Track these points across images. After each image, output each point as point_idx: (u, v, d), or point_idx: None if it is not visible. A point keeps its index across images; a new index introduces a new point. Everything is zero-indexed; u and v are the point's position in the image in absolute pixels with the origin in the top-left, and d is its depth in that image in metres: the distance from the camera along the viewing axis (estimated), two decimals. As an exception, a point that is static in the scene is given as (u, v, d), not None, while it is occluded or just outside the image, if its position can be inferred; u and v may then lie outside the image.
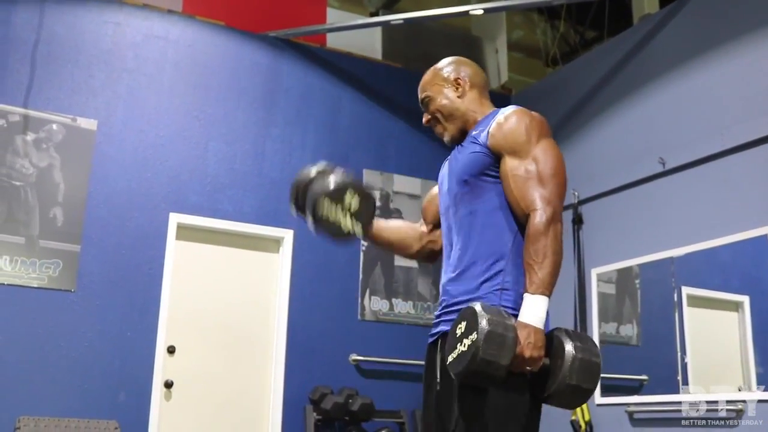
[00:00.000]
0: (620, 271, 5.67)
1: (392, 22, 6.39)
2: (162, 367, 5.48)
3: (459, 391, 2.13)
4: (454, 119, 2.47)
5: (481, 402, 2.07)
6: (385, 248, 2.70)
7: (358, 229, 2.56)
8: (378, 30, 6.96)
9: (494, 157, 2.27)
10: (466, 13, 6.42)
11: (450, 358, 2.07)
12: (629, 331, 5.64)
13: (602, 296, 5.77)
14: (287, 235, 6.08)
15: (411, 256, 2.69)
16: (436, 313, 2.36)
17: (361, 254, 6.35)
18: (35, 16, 5.58)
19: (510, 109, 2.35)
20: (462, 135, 2.46)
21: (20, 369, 5.07)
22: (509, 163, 2.23)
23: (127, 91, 5.78)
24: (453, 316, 2.21)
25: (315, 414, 5.74)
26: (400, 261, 6.49)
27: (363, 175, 6.50)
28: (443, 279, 2.37)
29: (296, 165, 6.25)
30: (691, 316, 5.13)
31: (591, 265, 5.85)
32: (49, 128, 5.46)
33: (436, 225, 2.59)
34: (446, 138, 2.50)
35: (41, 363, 5.13)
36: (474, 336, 1.99)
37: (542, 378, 2.11)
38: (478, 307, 2.04)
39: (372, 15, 7.03)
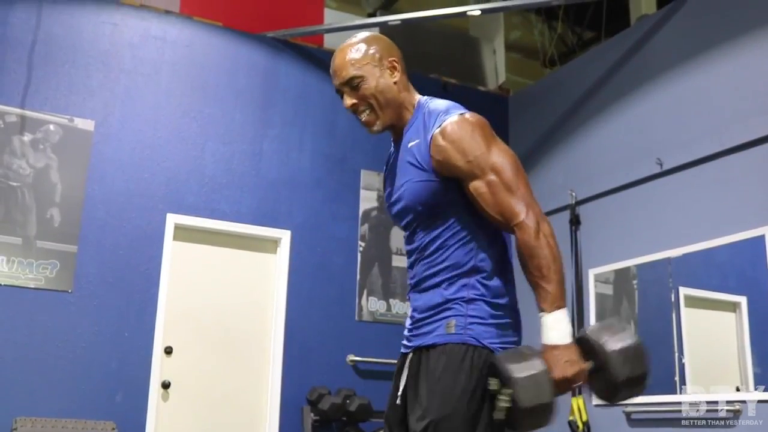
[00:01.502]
0: (617, 272, 5.67)
1: (390, 23, 6.39)
2: (159, 367, 5.48)
3: (426, 398, 2.09)
4: (390, 108, 2.24)
5: (449, 407, 2.04)
6: None
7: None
8: (375, 31, 6.96)
9: (442, 179, 2.13)
10: (464, 13, 6.42)
11: (498, 414, 1.98)
12: (627, 331, 5.63)
13: (600, 297, 5.77)
14: (285, 236, 6.08)
15: None
16: (408, 326, 2.29)
17: (359, 255, 6.35)
18: (32, 16, 5.58)
19: (446, 122, 2.13)
20: (392, 126, 2.28)
21: (17, 370, 5.06)
22: (471, 185, 2.10)
23: (125, 92, 5.78)
24: (421, 330, 2.19)
25: (312, 414, 5.74)
26: (397, 262, 6.49)
27: (360, 176, 6.50)
28: (409, 291, 2.30)
29: (294, 165, 6.26)
30: (688, 316, 5.13)
31: (588, 266, 5.85)
32: (46, 129, 5.46)
33: None
34: (377, 128, 2.26)
35: (38, 364, 5.12)
36: (509, 391, 1.93)
37: (594, 378, 2.03)
38: (498, 359, 1.99)
39: (369, 16, 7.03)
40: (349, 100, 2.25)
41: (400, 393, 2.21)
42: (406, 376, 2.21)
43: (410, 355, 2.23)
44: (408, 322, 2.30)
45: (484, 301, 2.12)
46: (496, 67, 7.37)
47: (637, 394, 2.06)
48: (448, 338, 2.10)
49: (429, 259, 2.20)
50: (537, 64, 7.76)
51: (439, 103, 2.23)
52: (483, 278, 2.13)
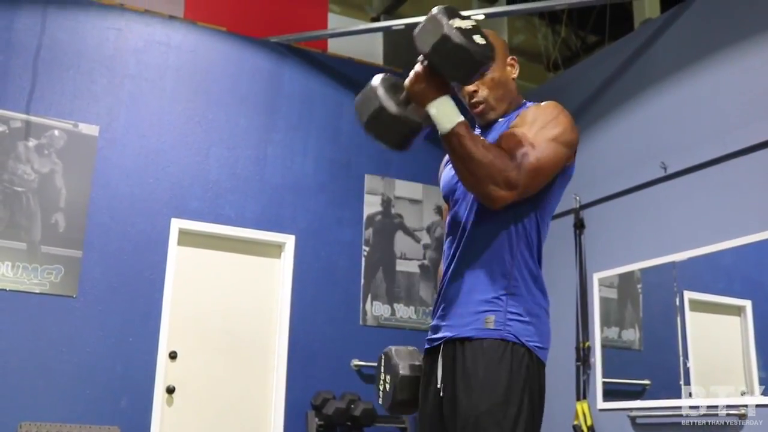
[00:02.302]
0: (622, 276, 5.66)
1: (393, 28, 6.39)
2: (164, 372, 5.48)
3: (464, 393, 2.09)
4: (505, 101, 2.30)
5: (490, 408, 2.03)
6: None
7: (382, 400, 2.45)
8: (379, 35, 6.97)
9: None
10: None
11: None
12: (631, 335, 5.63)
13: (604, 301, 5.76)
14: (289, 241, 6.09)
15: None
16: (438, 313, 2.26)
17: (363, 259, 6.35)
18: (37, 21, 5.60)
19: (545, 102, 2.24)
20: (498, 118, 2.31)
21: (22, 374, 5.07)
22: (518, 129, 2.13)
23: (129, 97, 5.79)
24: (455, 321, 2.17)
25: (317, 419, 5.74)
26: (401, 266, 6.49)
27: (364, 180, 6.50)
28: (445, 283, 2.25)
29: (298, 170, 6.26)
30: (693, 320, 5.12)
31: (593, 270, 5.83)
32: (51, 134, 5.47)
33: None
34: (491, 116, 2.30)
35: (43, 368, 5.13)
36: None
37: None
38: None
39: (373, 20, 7.04)
40: (471, 85, 2.28)
41: (440, 386, 2.18)
42: (442, 370, 2.18)
43: (442, 348, 2.19)
44: (438, 309, 2.26)
45: (524, 299, 2.12)
46: (499, 71, 7.37)
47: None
48: (487, 333, 2.09)
49: (471, 247, 2.18)
50: (541, 68, 7.75)
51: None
52: (524, 276, 2.13)
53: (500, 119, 2.29)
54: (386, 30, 6.69)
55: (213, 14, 6.27)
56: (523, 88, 7.39)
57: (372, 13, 7.14)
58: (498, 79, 2.30)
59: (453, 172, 2.27)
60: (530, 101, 2.35)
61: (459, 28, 2.00)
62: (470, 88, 2.29)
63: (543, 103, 2.24)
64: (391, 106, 2.05)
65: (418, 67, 2.06)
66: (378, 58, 6.91)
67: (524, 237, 2.16)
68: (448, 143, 2.03)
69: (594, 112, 6.17)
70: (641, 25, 6.06)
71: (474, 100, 2.30)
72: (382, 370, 2.40)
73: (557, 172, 2.15)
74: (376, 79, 2.12)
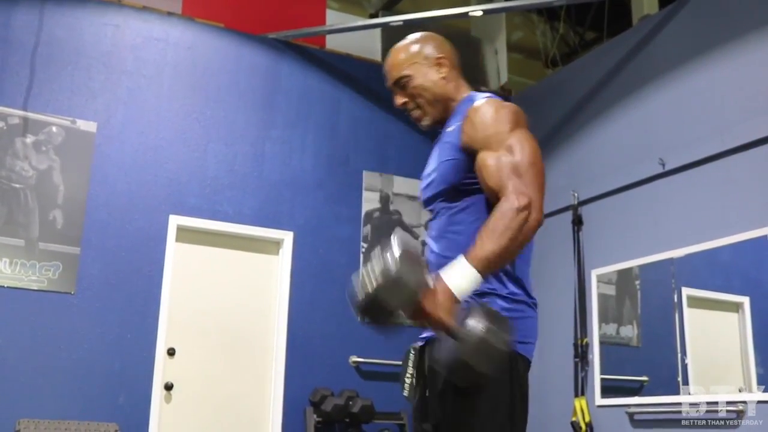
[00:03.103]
0: (620, 272, 5.66)
1: (392, 24, 6.38)
2: (162, 369, 5.48)
3: (442, 394, 2.07)
4: (437, 104, 2.28)
5: (464, 404, 2.01)
6: None
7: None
8: (377, 31, 6.96)
9: (470, 158, 2.12)
10: (466, 14, 6.42)
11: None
12: (629, 332, 5.63)
13: (602, 297, 5.76)
14: (287, 237, 6.08)
15: None
16: None
17: (361, 256, 6.35)
18: (35, 18, 5.58)
19: (480, 101, 2.17)
20: (441, 120, 2.30)
21: (20, 371, 5.07)
22: (481, 156, 2.07)
23: (127, 93, 5.78)
24: None
25: (315, 416, 5.74)
26: (400, 262, 6.48)
27: (362, 177, 6.50)
28: None
29: (296, 166, 6.26)
30: (691, 317, 5.12)
31: (591, 266, 5.84)
32: (49, 130, 5.46)
33: None
34: (426, 122, 2.31)
35: (41, 365, 5.13)
36: (376, 266, 1.83)
37: (439, 339, 1.97)
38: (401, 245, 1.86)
39: (371, 16, 7.03)
40: (398, 99, 2.33)
41: (425, 383, 2.18)
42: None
43: (426, 346, 2.19)
44: None
45: (497, 295, 2.07)
46: (498, 67, 7.37)
47: (458, 381, 1.94)
48: None
49: (444, 244, 2.17)
50: (539, 64, 7.75)
51: (484, 94, 2.25)
52: (498, 271, 2.07)
53: (448, 128, 2.24)
54: (385, 26, 6.67)
55: (211, 10, 6.26)
56: (522, 85, 7.40)
57: (370, 9, 7.13)
58: (421, 84, 2.28)
59: (423, 184, 2.31)
60: (475, 93, 2.30)
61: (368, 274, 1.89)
62: (397, 102, 2.32)
63: (478, 106, 2.16)
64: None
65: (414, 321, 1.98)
66: (376, 55, 6.90)
67: None
68: (488, 271, 1.94)
69: (592, 109, 6.17)
70: (639, 22, 6.05)
71: (409, 112, 2.33)
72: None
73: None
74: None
